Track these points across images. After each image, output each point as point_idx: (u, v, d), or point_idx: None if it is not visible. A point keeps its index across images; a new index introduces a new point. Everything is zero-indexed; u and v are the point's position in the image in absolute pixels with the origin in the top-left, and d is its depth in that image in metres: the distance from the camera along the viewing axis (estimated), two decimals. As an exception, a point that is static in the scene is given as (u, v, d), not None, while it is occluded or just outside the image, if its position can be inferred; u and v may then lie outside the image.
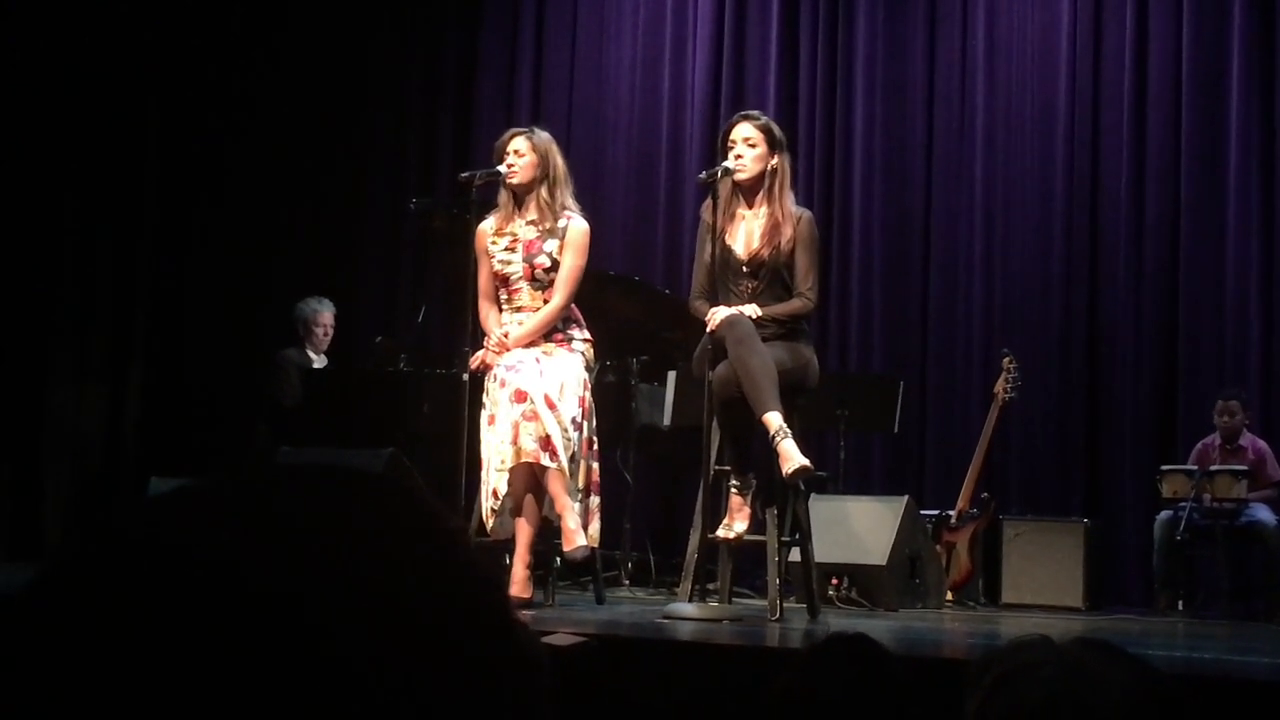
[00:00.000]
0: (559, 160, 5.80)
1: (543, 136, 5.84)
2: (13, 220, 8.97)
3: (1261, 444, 7.74)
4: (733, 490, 5.56)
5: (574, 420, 5.62)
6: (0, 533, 8.84)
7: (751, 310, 5.43)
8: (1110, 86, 8.55)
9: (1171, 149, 8.42)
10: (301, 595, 0.63)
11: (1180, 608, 7.37)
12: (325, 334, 8.48)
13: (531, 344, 5.72)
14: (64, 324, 9.30)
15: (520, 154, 5.75)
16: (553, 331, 5.76)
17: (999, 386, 7.90)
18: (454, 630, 0.65)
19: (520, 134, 5.86)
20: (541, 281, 5.74)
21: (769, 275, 5.53)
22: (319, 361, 8.41)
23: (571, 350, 5.77)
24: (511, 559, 5.48)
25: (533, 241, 5.75)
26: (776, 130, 5.66)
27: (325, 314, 8.49)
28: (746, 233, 5.57)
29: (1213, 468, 7.52)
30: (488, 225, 5.83)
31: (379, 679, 0.62)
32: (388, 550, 0.66)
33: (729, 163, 5.52)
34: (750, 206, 5.60)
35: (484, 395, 5.73)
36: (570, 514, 5.57)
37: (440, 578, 0.66)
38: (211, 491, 0.68)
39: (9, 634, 0.64)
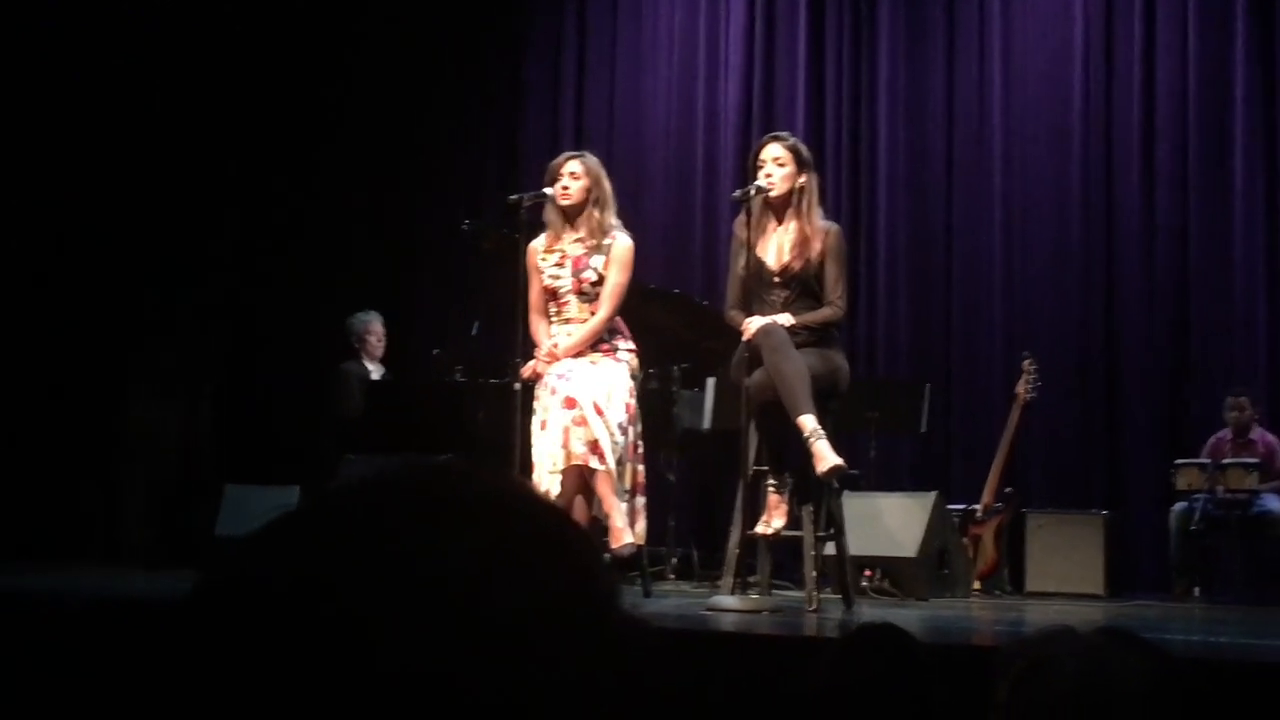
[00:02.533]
0: (607, 184, 5.82)
1: (593, 161, 5.87)
2: (95, 248, 9.06)
3: (1270, 437, 7.72)
4: (770, 489, 5.54)
5: (620, 425, 5.63)
6: (86, 536, 8.91)
7: (784, 319, 5.41)
8: (1120, 104, 8.53)
9: (1180, 162, 8.40)
10: (423, 618, 0.63)
11: (1196, 594, 7.36)
12: (378, 341, 8.52)
13: (580, 354, 5.73)
14: (142, 342, 9.38)
15: (576, 176, 5.77)
16: (599, 342, 5.77)
17: (1020, 388, 7.89)
18: (572, 636, 0.65)
19: (574, 157, 5.88)
20: (588, 295, 5.75)
21: (799, 286, 5.51)
22: (376, 371, 8.45)
23: (617, 359, 5.78)
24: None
25: (580, 258, 5.76)
26: (804, 150, 5.65)
27: (375, 324, 8.54)
28: (778, 246, 5.56)
29: (1225, 460, 7.51)
30: (538, 243, 5.85)
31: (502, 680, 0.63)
32: (510, 562, 0.66)
33: (760, 181, 5.51)
34: (780, 222, 5.58)
35: (535, 402, 5.73)
36: (618, 513, 5.58)
37: (565, 592, 0.67)
38: (339, 514, 0.68)
39: (168, 645, 0.66)
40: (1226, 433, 7.71)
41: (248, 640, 0.63)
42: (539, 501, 0.72)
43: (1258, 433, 7.70)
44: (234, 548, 0.70)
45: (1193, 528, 7.37)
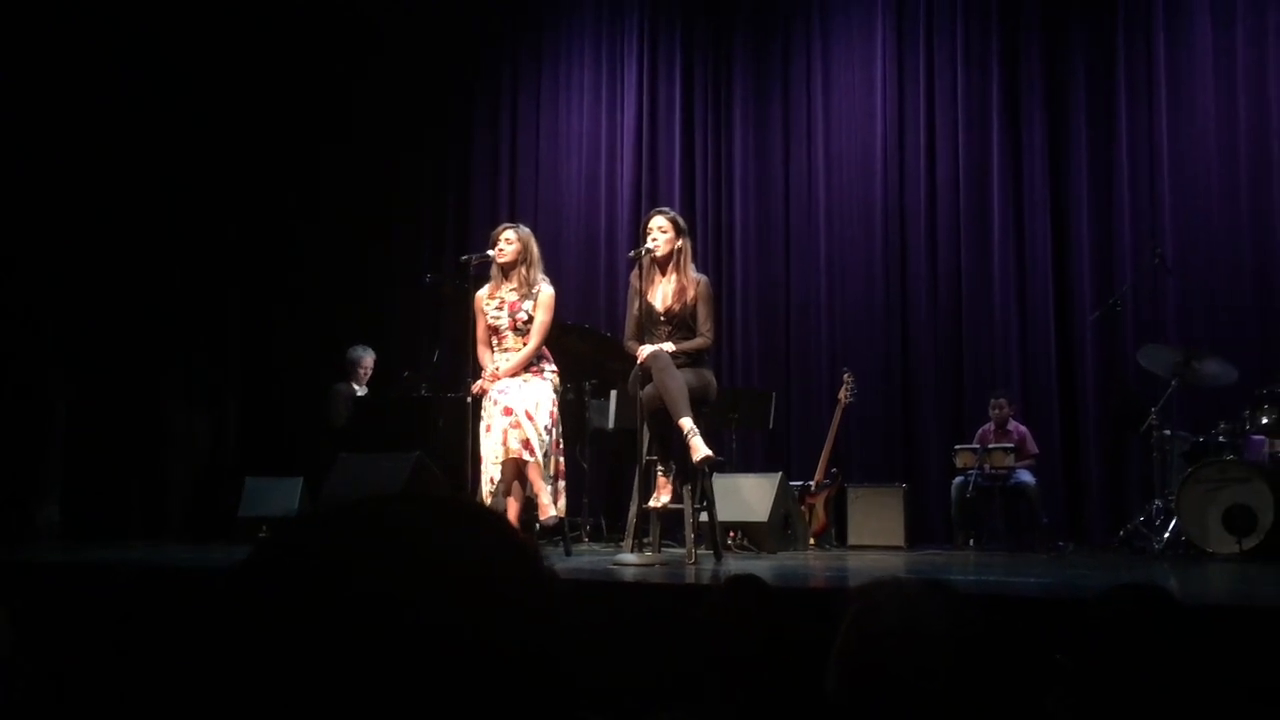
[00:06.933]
0: (534, 247, 5.80)
1: (524, 230, 5.84)
2: (135, 291, 8.88)
3: (1023, 428, 7.84)
4: (659, 473, 5.55)
5: (546, 427, 5.61)
6: (136, 520, 8.71)
7: (668, 347, 5.43)
8: (910, 182, 8.67)
9: (953, 224, 8.54)
10: (410, 591, 0.65)
11: (971, 544, 7.44)
12: (365, 373, 8.43)
13: (515, 374, 5.70)
14: (179, 367, 9.20)
15: (510, 241, 5.76)
16: (530, 365, 5.74)
17: (841, 394, 7.96)
18: (512, 589, 0.69)
19: (510, 227, 5.88)
20: (522, 330, 5.73)
21: (679, 322, 5.53)
22: (361, 391, 8.35)
23: (544, 378, 5.76)
24: (505, 527, 5.43)
25: (515, 302, 5.73)
26: (681, 220, 5.67)
27: (368, 358, 8.45)
28: (663, 294, 5.57)
29: (990, 445, 7.61)
30: (483, 292, 5.82)
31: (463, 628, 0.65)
32: (476, 553, 0.69)
33: (649, 244, 5.53)
34: (664, 275, 5.60)
35: (482, 411, 5.70)
36: (545, 493, 5.55)
37: (504, 560, 0.70)
38: (361, 517, 0.70)
39: (220, 606, 0.66)
40: (991, 425, 7.83)
41: (281, 600, 0.65)
42: (477, 505, 0.77)
43: (1013, 425, 7.82)
44: (271, 533, 0.71)
45: (968, 495, 7.47)
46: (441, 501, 0.72)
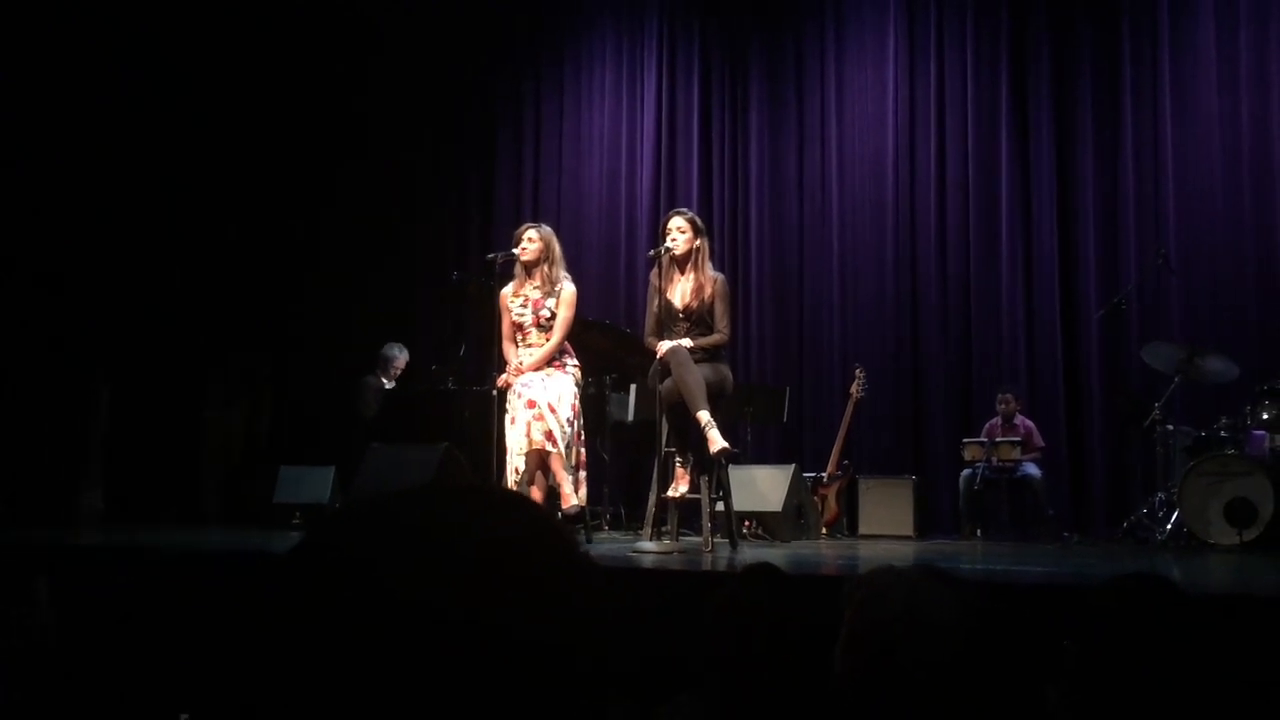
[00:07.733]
0: (556, 246, 5.82)
1: (546, 229, 5.86)
2: (173, 288, 8.93)
3: (1029, 422, 7.82)
4: (677, 464, 5.56)
5: (568, 420, 5.63)
6: (175, 505, 8.78)
7: (686, 343, 5.44)
8: (921, 183, 8.63)
9: (963, 223, 8.51)
10: (444, 570, 0.65)
11: (978, 535, 7.43)
12: (396, 371, 8.46)
13: (538, 369, 5.72)
14: (217, 366, 9.26)
15: (532, 240, 5.78)
16: (553, 360, 5.76)
17: (853, 389, 7.95)
18: (554, 578, 0.69)
19: (532, 226, 5.90)
20: (545, 326, 5.75)
21: (697, 319, 5.54)
22: (390, 384, 8.39)
23: (566, 372, 5.78)
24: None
25: (538, 300, 5.75)
26: (699, 220, 5.68)
27: (401, 358, 8.48)
28: (681, 291, 5.58)
29: (997, 439, 7.60)
30: (508, 289, 5.85)
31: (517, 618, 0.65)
32: (519, 543, 0.69)
33: (668, 243, 5.54)
34: (683, 273, 5.61)
35: (507, 404, 5.72)
36: (566, 483, 5.57)
37: (545, 550, 0.69)
38: (406, 509, 0.70)
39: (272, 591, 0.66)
40: (998, 419, 7.81)
41: (326, 593, 0.65)
42: (516, 495, 0.75)
43: (1019, 419, 7.80)
44: (317, 525, 0.70)
45: (975, 487, 7.45)
46: (481, 493, 0.71)
